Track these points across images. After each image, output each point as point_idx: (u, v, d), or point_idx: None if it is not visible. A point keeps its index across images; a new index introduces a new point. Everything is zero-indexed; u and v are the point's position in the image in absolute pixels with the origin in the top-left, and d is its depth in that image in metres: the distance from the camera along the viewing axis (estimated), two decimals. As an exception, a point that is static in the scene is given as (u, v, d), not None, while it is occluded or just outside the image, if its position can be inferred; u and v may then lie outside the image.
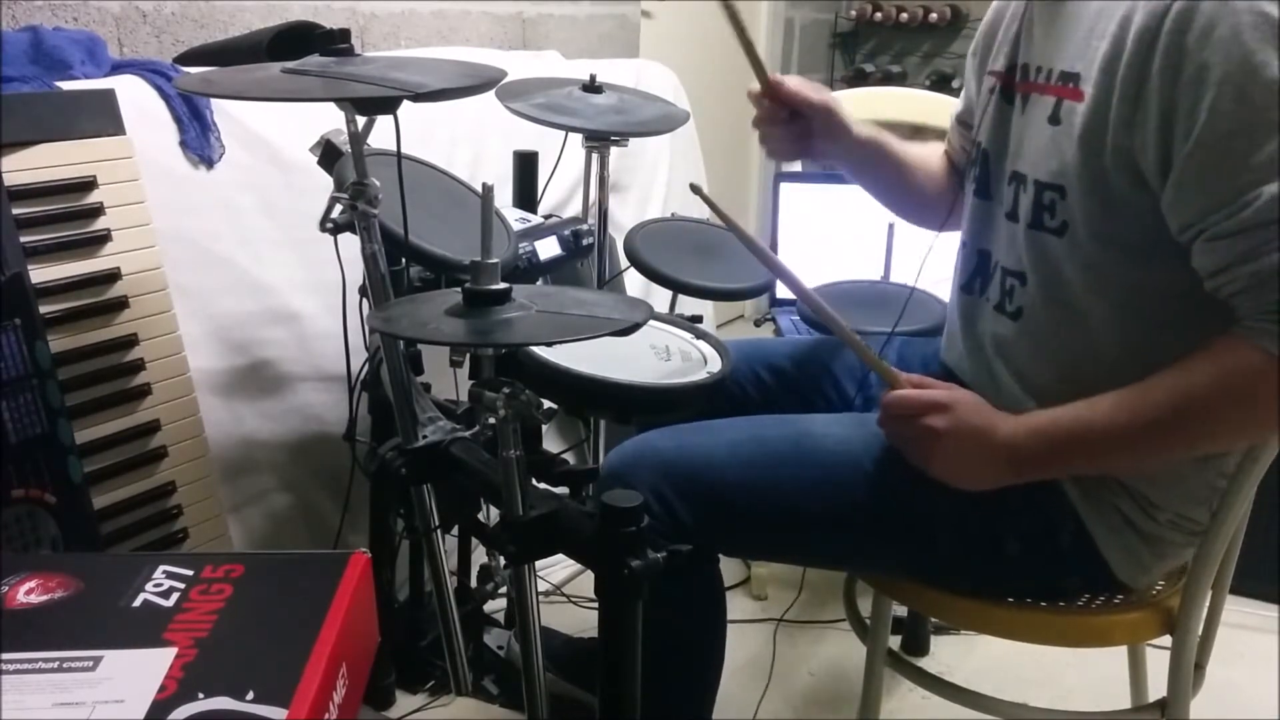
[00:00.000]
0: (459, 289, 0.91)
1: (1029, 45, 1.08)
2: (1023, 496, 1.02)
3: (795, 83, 1.20)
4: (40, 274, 1.17)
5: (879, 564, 1.17)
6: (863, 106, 2.22)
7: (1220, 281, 0.90)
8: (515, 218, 1.44)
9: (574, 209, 1.77)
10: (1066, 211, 1.00)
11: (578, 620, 1.73)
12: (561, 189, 1.88)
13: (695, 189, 1.08)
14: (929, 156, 1.34)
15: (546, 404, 0.97)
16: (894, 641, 1.51)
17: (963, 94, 1.31)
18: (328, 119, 1.16)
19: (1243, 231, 0.87)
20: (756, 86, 1.19)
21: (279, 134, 1.52)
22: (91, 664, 0.71)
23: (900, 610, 1.67)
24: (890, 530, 1.09)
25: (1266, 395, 0.89)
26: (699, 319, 1.32)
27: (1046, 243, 1.02)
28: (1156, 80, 0.89)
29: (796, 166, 2.09)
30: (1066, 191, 0.99)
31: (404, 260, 1.29)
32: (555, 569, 1.86)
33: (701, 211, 2.29)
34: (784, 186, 2.00)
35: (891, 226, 1.87)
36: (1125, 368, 0.97)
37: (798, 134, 1.21)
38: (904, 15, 3.78)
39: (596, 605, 0.93)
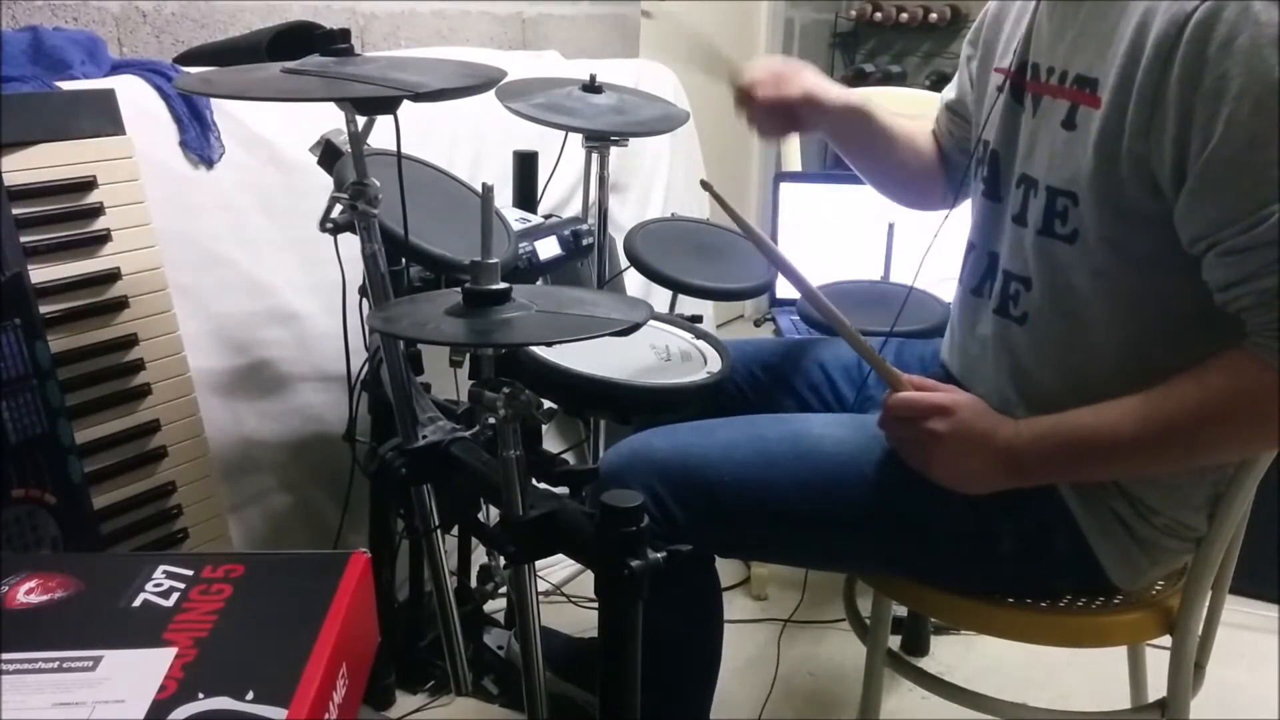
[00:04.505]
0: (459, 289, 0.91)
1: (1038, 44, 1.06)
2: (1019, 498, 1.02)
3: (767, 80, 1.19)
4: (40, 274, 1.17)
5: (873, 564, 1.17)
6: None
7: (1230, 296, 0.90)
8: (515, 218, 1.44)
9: (574, 209, 1.77)
10: (1078, 219, 0.98)
11: (578, 620, 1.73)
12: (561, 189, 1.88)
13: (705, 185, 1.07)
14: (915, 133, 1.31)
15: (546, 404, 0.97)
16: (894, 641, 1.51)
17: (955, 81, 1.29)
18: (328, 119, 1.16)
19: (1254, 248, 0.86)
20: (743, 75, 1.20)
21: (279, 134, 1.51)
22: (91, 664, 0.71)
23: (900, 610, 1.67)
24: (885, 530, 1.09)
25: (1271, 410, 0.89)
26: (699, 319, 1.32)
27: (1056, 249, 1.01)
28: (1175, 89, 0.87)
29: (796, 166, 2.09)
30: (1079, 198, 0.98)
31: (404, 260, 1.29)
32: (555, 569, 1.86)
33: (702, 211, 2.30)
34: (784, 186, 2.00)
35: (891, 226, 1.87)
36: (1127, 375, 0.97)
37: (781, 114, 1.20)
38: (904, 15, 3.77)
39: (596, 605, 0.92)
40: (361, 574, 0.83)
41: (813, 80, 1.21)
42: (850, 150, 1.30)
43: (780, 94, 1.19)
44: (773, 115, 1.21)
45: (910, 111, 1.35)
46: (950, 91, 1.30)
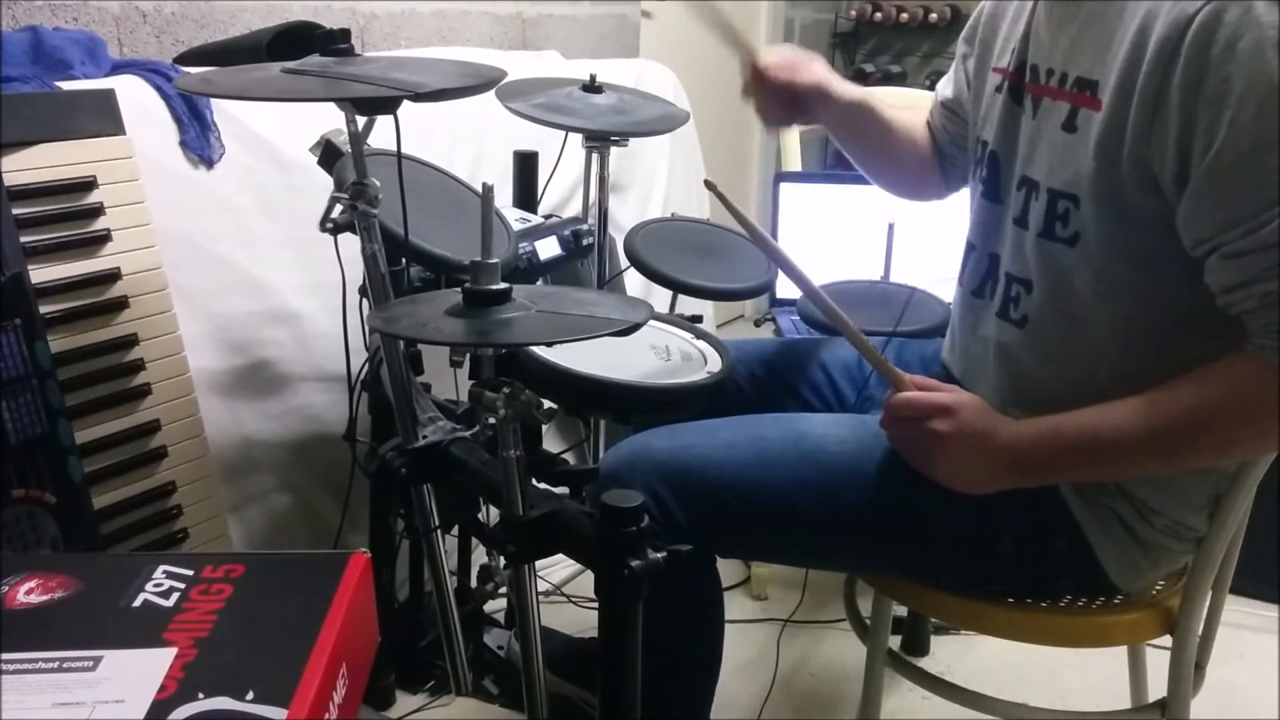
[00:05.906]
0: (459, 289, 0.91)
1: (1037, 45, 1.06)
2: (1020, 498, 1.02)
3: (782, 64, 1.20)
4: (40, 274, 1.17)
5: (874, 563, 1.17)
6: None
7: (1233, 299, 0.90)
8: (515, 218, 1.44)
9: (574, 209, 1.77)
10: (1080, 221, 0.98)
11: (578, 620, 1.73)
12: (561, 189, 1.88)
13: (709, 185, 1.07)
14: (913, 126, 1.33)
15: (546, 404, 0.97)
16: (894, 641, 1.51)
17: (950, 77, 1.29)
18: (328, 119, 1.16)
19: (1257, 251, 0.86)
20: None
21: (279, 134, 1.52)
22: (91, 664, 0.71)
23: (900, 610, 1.67)
24: (887, 530, 1.09)
25: (1273, 412, 0.89)
26: (699, 319, 1.32)
27: (1057, 252, 1.01)
28: (1177, 93, 0.87)
29: (797, 166, 2.09)
30: (1080, 201, 0.97)
31: (404, 260, 1.29)
32: (555, 569, 1.86)
33: (702, 211, 2.30)
34: (784, 186, 2.00)
35: (891, 226, 1.86)
36: (1128, 377, 0.97)
37: (788, 101, 1.22)
38: (904, 15, 3.77)
39: (596, 605, 0.92)
40: (361, 574, 0.83)
41: (823, 72, 1.23)
42: (850, 142, 1.32)
43: (794, 79, 1.20)
44: (781, 101, 1.22)
45: (908, 105, 1.35)
46: (946, 89, 1.30)
